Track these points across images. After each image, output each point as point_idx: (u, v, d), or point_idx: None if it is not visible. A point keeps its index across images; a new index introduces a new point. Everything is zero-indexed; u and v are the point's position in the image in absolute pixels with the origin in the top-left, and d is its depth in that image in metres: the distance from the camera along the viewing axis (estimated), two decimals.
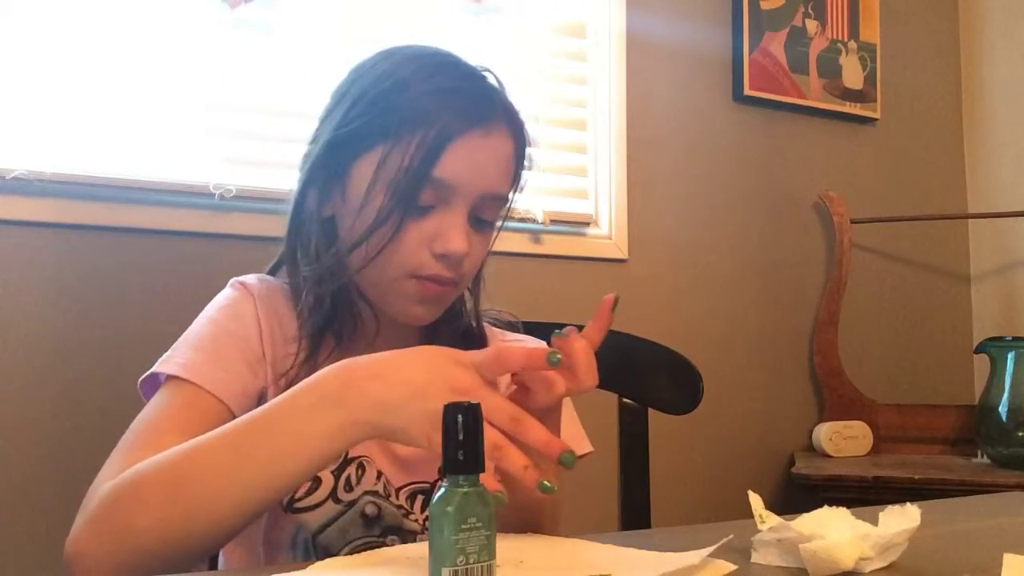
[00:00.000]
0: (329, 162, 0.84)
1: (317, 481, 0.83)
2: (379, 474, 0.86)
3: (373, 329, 0.87)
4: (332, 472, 0.84)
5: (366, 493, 0.84)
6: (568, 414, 0.96)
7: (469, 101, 0.81)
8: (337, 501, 0.83)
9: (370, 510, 0.84)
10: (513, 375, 0.69)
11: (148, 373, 0.82)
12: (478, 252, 0.85)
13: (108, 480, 0.69)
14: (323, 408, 0.65)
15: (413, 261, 0.81)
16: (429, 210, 0.81)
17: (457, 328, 0.92)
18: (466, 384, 0.63)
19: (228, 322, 0.85)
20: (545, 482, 0.59)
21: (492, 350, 0.67)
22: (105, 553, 0.65)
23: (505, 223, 0.91)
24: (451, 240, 0.80)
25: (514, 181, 0.88)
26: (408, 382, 0.64)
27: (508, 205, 0.89)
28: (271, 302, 0.87)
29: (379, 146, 0.80)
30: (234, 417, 0.74)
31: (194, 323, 0.86)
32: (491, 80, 0.87)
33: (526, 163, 0.89)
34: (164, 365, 0.81)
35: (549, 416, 0.68)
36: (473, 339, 0.92)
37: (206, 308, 0.88)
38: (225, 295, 0.88)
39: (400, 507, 0.86)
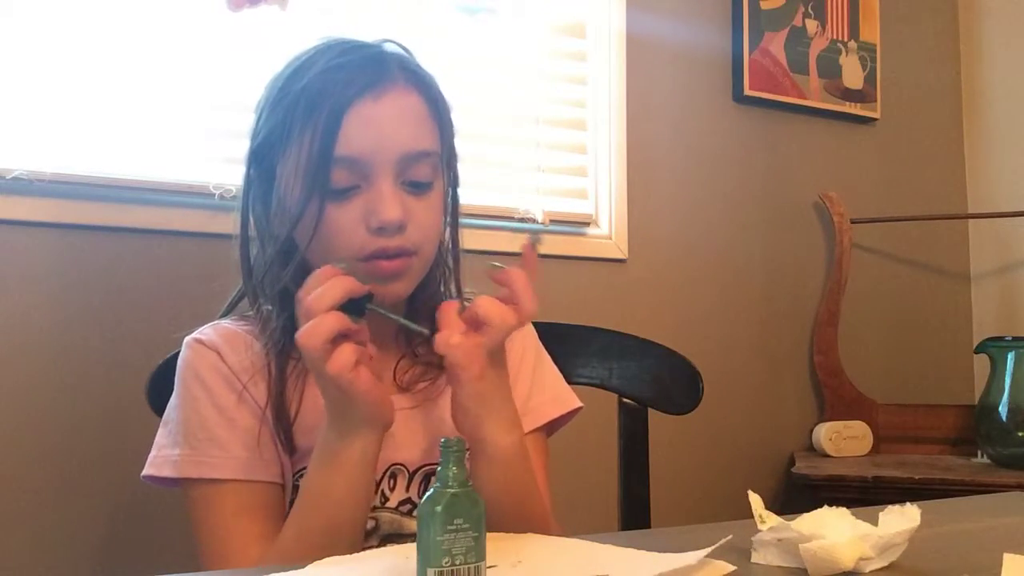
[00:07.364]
0: (258, 174, 0.86)
1: None
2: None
3: None
4: None
5: None
6: (551, 372, 0.98)
7: (353, 71, 0.81)
8: None
9: (367, 524, 0.81)
10: (464, 315, 0.74)
11: (154, 472, 0.83)
12: (426, 217, 0.83)
13: None
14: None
15: (354, 244, 0.80)
16: (353, 190, 0.80)
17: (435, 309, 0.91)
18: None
19: (199, 390, 0.83)
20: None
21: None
22: None
23: (458, 184, 0.91)
24: (382, 211, 0.79)
25: (442, 133, 0.86)
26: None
27: (450, 159, 0.88)
28: (231, 342, 0.86)
29: (288, 141, 0.81)
30: (258, 482, 0.81)
31: (173, 402, 0.85)
32: (387, 48, 0.86)
33: (447, 112, 0.87)
34: (170, 467, 0.81)
35: (499, 355, 0.76)
36: None
37: (177, 377, 0.86)
38: (185, 360, 0.86)
39: (399, 507, 0.84)
